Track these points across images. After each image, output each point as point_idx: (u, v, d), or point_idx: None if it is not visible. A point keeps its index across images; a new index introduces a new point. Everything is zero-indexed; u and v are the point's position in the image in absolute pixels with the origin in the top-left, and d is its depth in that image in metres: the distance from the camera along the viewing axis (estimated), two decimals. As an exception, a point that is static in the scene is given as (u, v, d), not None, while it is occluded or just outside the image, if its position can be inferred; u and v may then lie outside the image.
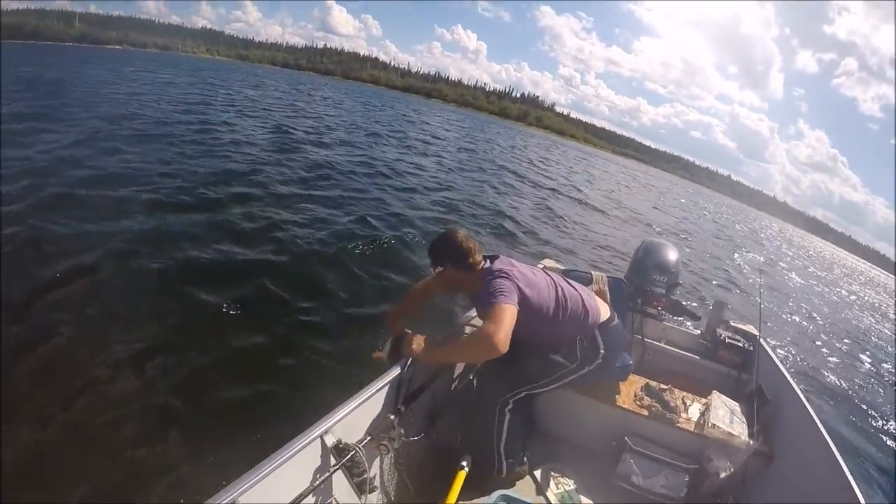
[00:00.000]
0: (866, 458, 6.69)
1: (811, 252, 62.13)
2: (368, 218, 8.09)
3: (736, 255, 21.42)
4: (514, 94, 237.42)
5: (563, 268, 4.10)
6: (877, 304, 32.43)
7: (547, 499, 2.64)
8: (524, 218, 11.94)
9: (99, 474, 2.66)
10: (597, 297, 2.52)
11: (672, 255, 3.88)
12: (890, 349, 14.69)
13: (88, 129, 10.87)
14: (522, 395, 2.41)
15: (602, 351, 2.38)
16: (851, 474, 2.39)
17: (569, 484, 2.78)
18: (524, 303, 2.19)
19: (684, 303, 3.85)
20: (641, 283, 3.70)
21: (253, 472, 1.38)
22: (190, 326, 4.07)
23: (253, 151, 11.65)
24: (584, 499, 2.71)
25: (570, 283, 2.52)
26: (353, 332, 4.44)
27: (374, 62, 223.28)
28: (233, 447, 2.87)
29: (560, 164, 34.16)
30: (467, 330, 2.95)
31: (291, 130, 16.41)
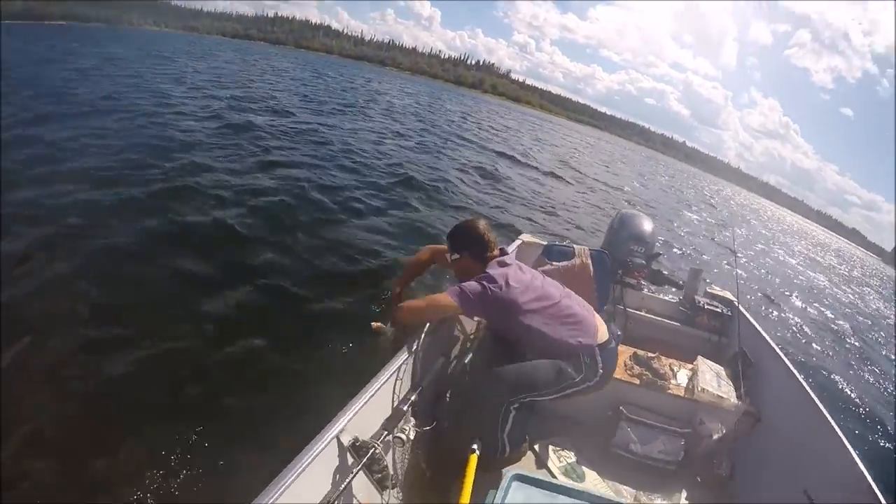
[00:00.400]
0: (847, 410, 7.13)
1: (765, 216, 64.53)
2: (305, 186, 7.88)
3: (698, 221, 22.29)
4: (469, 62, 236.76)
5: (543, 243, 4.09)
6: (833, 265, 34.48)
7: (551, 472, 2.66)
8: (484, 188, 11.81)
9: (98, 477, 2.57)
10: (602, 322, 2.52)
11: (648, 225, 3.92)
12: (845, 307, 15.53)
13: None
14: (527, 400, 2.43)
15: (601, 370, 2.39)
16: (837, 425, 2.48)
17: (570, 456, 2.81)
18: (515, 306, 2.30)
19: (665, 272, 3.90)
20: (620, 255, 3.72)
21: (278, 482, 1.35)
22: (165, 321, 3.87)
23: (196, 127, 11.07)
24: (585, 469, 2.75)
25: (578, 304, 2.53)
26: (332, 322, 4.30)
27: (327, 30, 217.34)
28: (244, 449, 2.82)
29: (518, 132, 33.89)
30: None
31: (237, 105, 15.50)
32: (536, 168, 18.24)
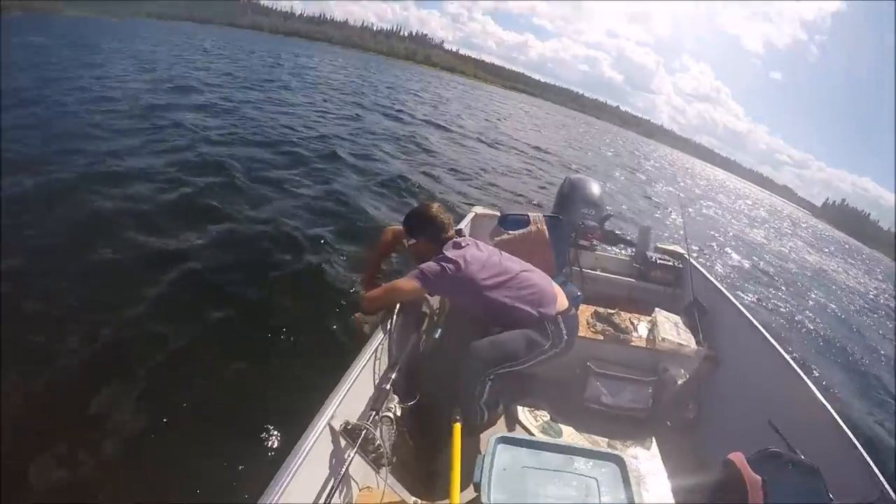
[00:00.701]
0: (794, 343, 7.60)
1: (702, 176, 66.78)
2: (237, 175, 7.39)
3: (634, 181, 22.90)
4: (401, 34, 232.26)
5: (496, 213, 4.12)
6: (766, 219, 36.35)
7: (529, 432, 2.71)
8: (417, 161, 11.54)
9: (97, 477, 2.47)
10: (561, 292, 2.60)
11: (596, 188, 4.01)
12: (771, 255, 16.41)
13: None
14: (502, 372, 2.45)
15: (566, 336, 2.47)
16: (791, 360, 2.64)
17: (545, 415, 2.87)
18: (476, 283, 2.37)
19: (618, 232, 4.00)
20: (572, 219, 3.78)
21: (280, 477, 1.34)
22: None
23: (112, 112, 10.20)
24: (562, 426, 2.81)
25: (537, 275, 2.59)
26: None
27: (256, 7, 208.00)
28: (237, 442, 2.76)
29: (451, 102, 33.43)
30: None
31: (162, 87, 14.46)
32: (470, 137, 18.09)
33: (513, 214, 3.62)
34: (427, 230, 2.55)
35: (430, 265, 2.37)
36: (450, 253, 2.41)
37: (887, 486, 1.78)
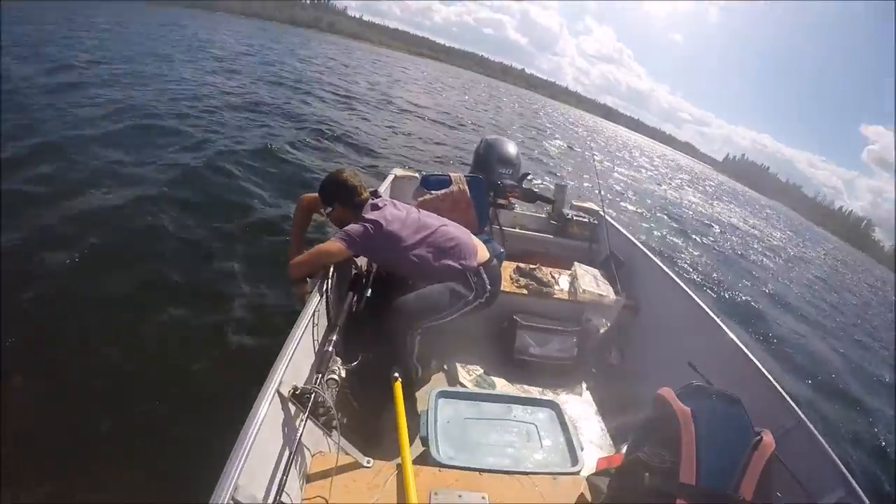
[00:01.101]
0: (703, 287, 8.17)
1: (608, 135, 68.98)
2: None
3: (545, 142, 23.33)
4: (304, 1, 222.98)
5: (416, 175, 4.10)
6: (672, 175, 38.34)
7: (464, 386, 2.74)
8: (339, 129, 11.14)
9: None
10: (481, 244, 2.67)
11: (512, 148, 4.07)
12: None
13: None
14: (430, 325, 2.49)
15: (489, 287, 2.53)
16: (704, 304, 2.83)
17: (478, 370, 2.93)
18: (398, 241, 2.42)
19: (535, 189, 4.08)
20: (490, 178, 3.82)
21: (237, 450, 1.27)
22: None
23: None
24: (494, 378, 2.88)
25: (455, 229, 2.65)
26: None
27: None
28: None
29: (360, 70, 32.18)
30: None
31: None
32: (372, 105, 17.52)
33: (434, 175, 3.60)
34: (341, 195, 2.54)
35: (353, 227, 2.39)
36: (369, 214, 2.44)
37: (801, 413, 1.97)
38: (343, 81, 22.18)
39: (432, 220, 2.63)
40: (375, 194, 2.69)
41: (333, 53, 43.62)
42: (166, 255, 4.33)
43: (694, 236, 13.60)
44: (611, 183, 17.34)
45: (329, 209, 2.57)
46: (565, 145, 24.54)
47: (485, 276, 2.52)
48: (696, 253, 11.41)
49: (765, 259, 15.35)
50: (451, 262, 2.47)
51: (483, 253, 2.60)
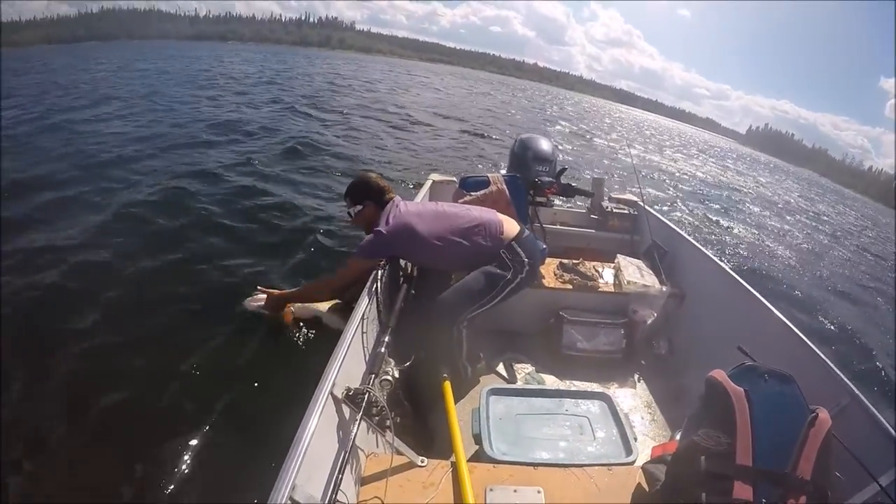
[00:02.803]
0: (751, 270, 7.97)
1: (631, 120, 67.73)
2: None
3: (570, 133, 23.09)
4: (310, 21, 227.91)
5: (454, 178, 4.13)
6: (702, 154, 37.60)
7: (515, 382, 2.77)
8: (365, 148, 11.05)
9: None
10: (507, 218, 2.69)
11: (546, 144, 4.06)
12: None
13: None
14: (474, 314, 2.50)
15: (526, 259, 2.52)
16: (750, 286, 2.77)
17: (527, 367, 2.94)
18: (416, 232, 2.49)
19: (574, 184, 4.07)
20: (528, 177, 3.82)
21: (292, 453, 1.30)
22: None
23: None
24: (544, 376, 2.89)
25: (476, 210, 2.70)
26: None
27: (159, 15, 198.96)
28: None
29: (381, 83, 32.08)
30: None
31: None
32: (401, 116, 17.24)
33: (472, 176, 3.63)
34: (371, 194, 2.69)
35: (366, 240, 2.52)
36: (382, 219, 2.55)
37: (856, 389, 1.91)
38: (354, 94, 22.41)
39: (452, 207, 2.72)
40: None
41: (361, 70, 43.89)
42: (219, 255, 4.57)
43: (729, 212, 13.48)
44: (647, 171, 17.03)
45: (360, 207, 2.71)
46: (584, 135, 24.27)
47: (519, 249, 2.52)
48: (735, 231, 11.24)
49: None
50: (480, 242, 2.50)
51: (512, 227, 2.61)
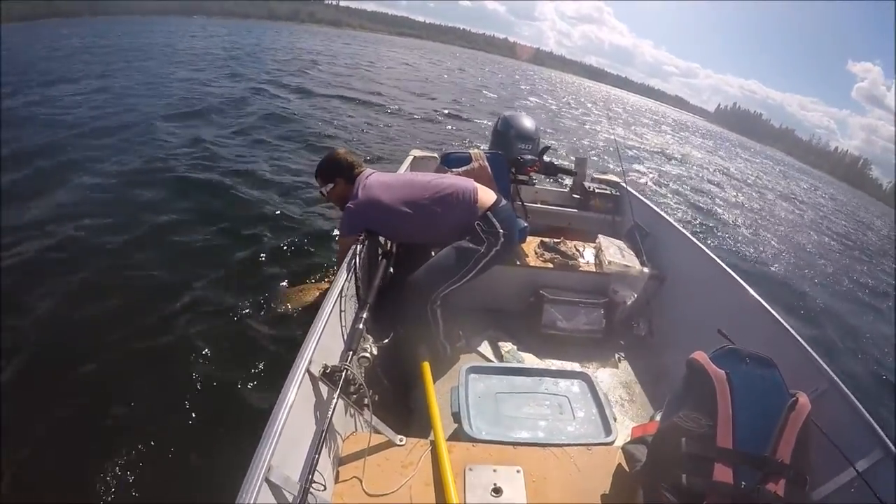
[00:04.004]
0: (731, 251, 8.09)
1: (600, 97, 67.55)
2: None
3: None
4: None
5: (435, 154, 4.08)
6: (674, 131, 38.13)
7: (494, 362, 2.75)
8: (345, 126, 10.81)
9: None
10: (482, 186, 2.62)
11: (529, 122, 4.01)
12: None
13: None
14: (446, 291, 2.46)
15: (501, 230, 2.46)
16: (731, 269, 2.78)
17: (507, 346, 2.92)
18: (384, 203, 2.44)
19: (556, 162, 4.04)
20: (510, 154, 3.78)
21: (268, 433, 1.27)
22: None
23: None
24: (524, 354, 2.88)
25: (449, 178, 2.66)
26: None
27: None
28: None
29: (353, 58, 30.83)
30: None
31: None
32: (373, 93, 16.67)
33: (454, 152, 3.58)
34: (342, 171, 2.63)
35: (343, 215, 2.49)
36: (351, 193, 2.52)
37: (833, 375, 1.93)
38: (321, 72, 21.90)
39: (425, 176, 2.66)
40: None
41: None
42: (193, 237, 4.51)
43: (703, 193, 13.68)
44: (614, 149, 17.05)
45: (331, 185, 2.66)
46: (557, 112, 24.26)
47: (494, 220, 2.46)
48: (711, 211, 11.43)
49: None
50: (453, 210, 2.45)
51: (487, 196, 2.55)
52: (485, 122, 13.99)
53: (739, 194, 16.27)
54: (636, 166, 13.92)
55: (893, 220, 33.77)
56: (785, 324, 2.27)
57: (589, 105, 39.52)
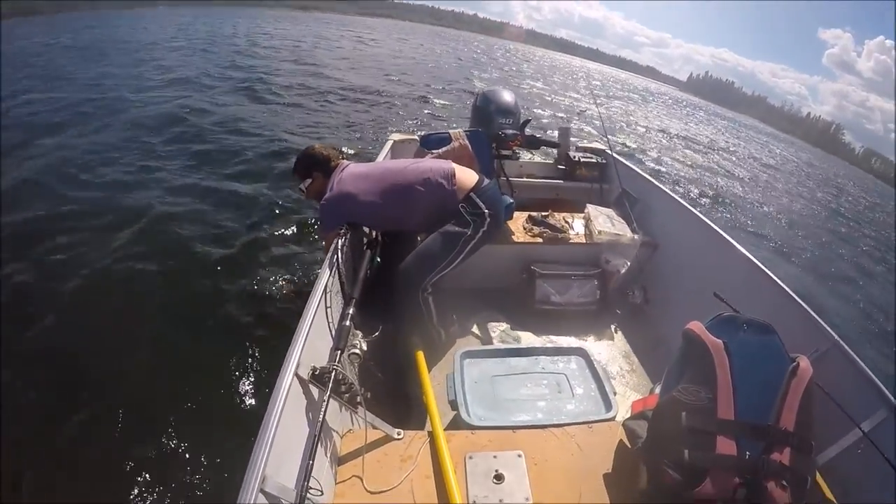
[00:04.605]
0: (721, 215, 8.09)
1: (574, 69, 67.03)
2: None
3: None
4: None
5: (416, 137, 4.00)
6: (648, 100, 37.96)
7: (489, 344, 2.73)
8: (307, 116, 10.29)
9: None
10: (460, 167, 2.55)
11: (509, 96, 3.93)
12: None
13: None
14: (437, 277, 2.42)
15: (486, 211, 2.41)
16: (723, 231, 2.74)
17: (502, 325, 2.89)
18: (359, 194, 2.37)
19: (538, 135, 3.97)
20: (491, 130, 3.71)
21: (259, 442, 1.22)
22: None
23: None
24: (519, 332, 2.86)
25: (426, 162, 2.59)
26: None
27: None
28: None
29: (323, 41, 29.43)
30: None
31: None
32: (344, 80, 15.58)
33: (433, 134, 3.51)
34: (318, 165, 2.58)
35: (319, 212, 2.44)
36: (327, 188, 2.45)
37: (835, 335, 1.89)
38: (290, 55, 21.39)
39: (401, 163, 2.61)
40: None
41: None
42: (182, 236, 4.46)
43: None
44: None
45: (309, 181, 2.59)
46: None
47: (478, 201, 2.41)
48: (695, 174, 11.51)
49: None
50: (432, 194, 2.39)
51: (469, 178, 2.48)
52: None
53: (723, 162, 16.34)
54: (614, 137, 13.91)
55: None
56: (782, 284, 2.23)
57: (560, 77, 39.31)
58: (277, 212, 5.19)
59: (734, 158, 19.45)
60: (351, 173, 2.46)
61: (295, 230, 4.81)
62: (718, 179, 12.78)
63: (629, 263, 3.07)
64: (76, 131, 7.50)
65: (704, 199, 9.69)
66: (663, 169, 11.65)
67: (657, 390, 1.66)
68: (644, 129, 19.03)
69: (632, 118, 22.35)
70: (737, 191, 12.06)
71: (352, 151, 7.36)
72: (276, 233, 4.74)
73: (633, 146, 13.85)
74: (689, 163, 14.10)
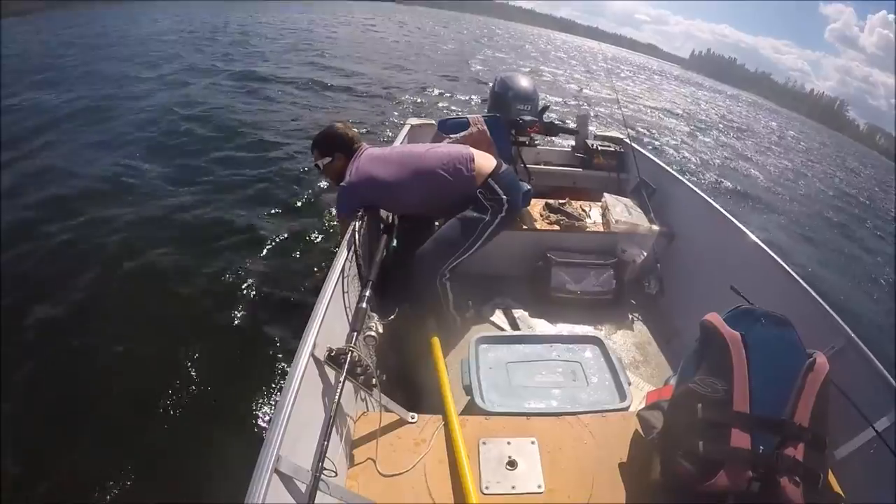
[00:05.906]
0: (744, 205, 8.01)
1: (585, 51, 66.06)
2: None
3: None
4: None
5: (432, 122, 3.99)
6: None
7: (504, 330, 2.73)
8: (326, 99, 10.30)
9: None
10: (480, 152, 2.54)
11: (526, 82, 3.91)
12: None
13: None
14: (454, 263, 2.43)
15: (504, 196, 2.39)
16: (741, 224, 2.71)
17: (517, 312, 2.89)
18: (380, 178, 2.36)
19: (557, 122, 3.95)
20: (509, 116, 3.69)
21: (276, 422, 1.25)
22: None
23: None
24: (535, 320, 2.86)
25: (445, 147, 2.58)
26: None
27: None
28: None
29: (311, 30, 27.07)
30: None
31: None
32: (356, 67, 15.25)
33: (451, 119, 3.50)
34: (340, 146, 2.56)
35: (338, 195, 2.45)
36: (347, 171, 2.43)
37: (850, 332, 1.88)
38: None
39: (420, 147, 2.59)
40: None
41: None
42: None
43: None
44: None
45: (329, 160, 2.58)
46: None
47: (496, 187, 2.39)
48: (713, 160, 11.55)
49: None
50: (450, 179, 2.38)
51: (488, 163, 2.47)
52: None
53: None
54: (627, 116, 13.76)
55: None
56: (799, 279, 2.21)
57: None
58: (291, 195, 5.22)
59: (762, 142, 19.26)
60: (370, 157, 2.45)
61: (309, 213, 4.84)
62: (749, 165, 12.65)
63: (645, 254, 3.06)
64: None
65: (731, 187, 9.58)
66: (686, 155, 11.52)
67: (672, 381, 1.67)
68: (655, 109, 18.86)
69: (640, 100, 22.13)
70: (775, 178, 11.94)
71: (365, 131, 7.34)
72: (291, 216, 4.76)
73: (649, 131, 13.70)
74: (711, 146, 14.00)
